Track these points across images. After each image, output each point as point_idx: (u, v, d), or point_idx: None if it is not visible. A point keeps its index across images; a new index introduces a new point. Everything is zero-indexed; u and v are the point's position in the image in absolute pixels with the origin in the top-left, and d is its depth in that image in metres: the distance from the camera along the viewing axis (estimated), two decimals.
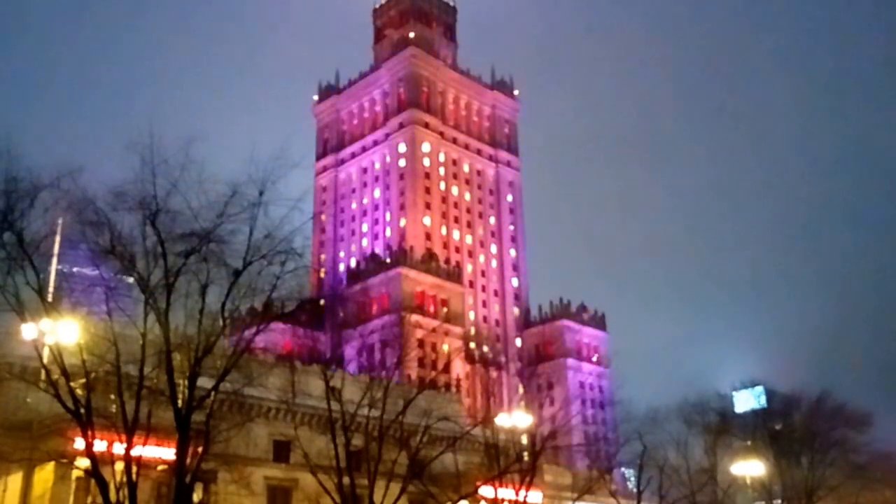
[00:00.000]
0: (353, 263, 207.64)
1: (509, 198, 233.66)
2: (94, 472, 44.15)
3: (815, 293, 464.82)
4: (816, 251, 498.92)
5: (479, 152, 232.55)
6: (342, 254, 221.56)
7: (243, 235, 46.33)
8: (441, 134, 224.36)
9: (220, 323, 46.58)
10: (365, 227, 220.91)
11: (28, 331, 44.56)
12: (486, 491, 73.41)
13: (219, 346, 47.92)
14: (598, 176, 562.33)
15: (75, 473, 68.67)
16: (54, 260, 48.89)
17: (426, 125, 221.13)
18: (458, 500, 68.77)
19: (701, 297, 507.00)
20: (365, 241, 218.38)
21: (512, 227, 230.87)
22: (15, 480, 71.77)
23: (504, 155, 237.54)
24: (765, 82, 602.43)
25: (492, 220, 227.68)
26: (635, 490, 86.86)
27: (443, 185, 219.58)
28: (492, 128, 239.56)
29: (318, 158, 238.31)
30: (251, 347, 53.66)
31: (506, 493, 72.07)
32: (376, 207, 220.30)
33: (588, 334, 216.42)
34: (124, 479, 43.37)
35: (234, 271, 45.98)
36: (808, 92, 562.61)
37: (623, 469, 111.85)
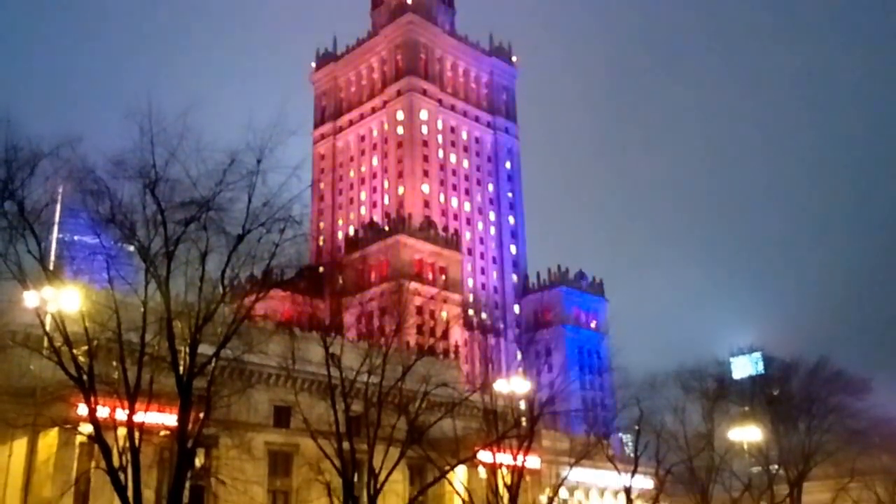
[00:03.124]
0: (351, 231, 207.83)
1: (507, 165, 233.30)
2: (97, 438, 44.74)
3: (814, 260, 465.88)
4: (816, 218, 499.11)
5: (477, 119, 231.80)
6: (341, 222, 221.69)
7: (242, 203, 46.60)
8: (439, 101, 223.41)
9: (220, 290, 46.93)
10: (363, 195, 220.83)
11: (30, 299, 44.92)
12: (484, 456, 74.31)
13: (219, 314, 48.31)
14: (597, 143, 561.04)
15: (79, 439, 69.48)
16: (55, 228, 49.11)
17: (424, 92, 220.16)
18: (457, 465, 69.66)
19: (700, 264, 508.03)
20: (363, 209, 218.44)
21: (510, 195, 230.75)
22: (20, 446, 72.61)
23: (502, 122, 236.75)
24: (764, 45, 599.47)
25: (490, 187, 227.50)
26: (632, 455, 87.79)
27: (441, 153, 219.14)
28: (490, 95, 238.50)
29: (316, 126, 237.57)
30: (251, 315, 54.09)
31: (504, 457, 72.96)
32: (374, 175, 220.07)
33: (586, 301, 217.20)
34: (127, 444, 43.95)
35: (234, 239, 46.24)
36: (807, 53, 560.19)
37: (620, 434, 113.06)
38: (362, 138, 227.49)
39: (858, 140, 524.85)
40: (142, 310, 45.22)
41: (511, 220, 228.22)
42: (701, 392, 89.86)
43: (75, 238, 52.59)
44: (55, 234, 50.04)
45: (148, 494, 48.03)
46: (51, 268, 46.02)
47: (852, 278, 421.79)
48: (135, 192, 45.67)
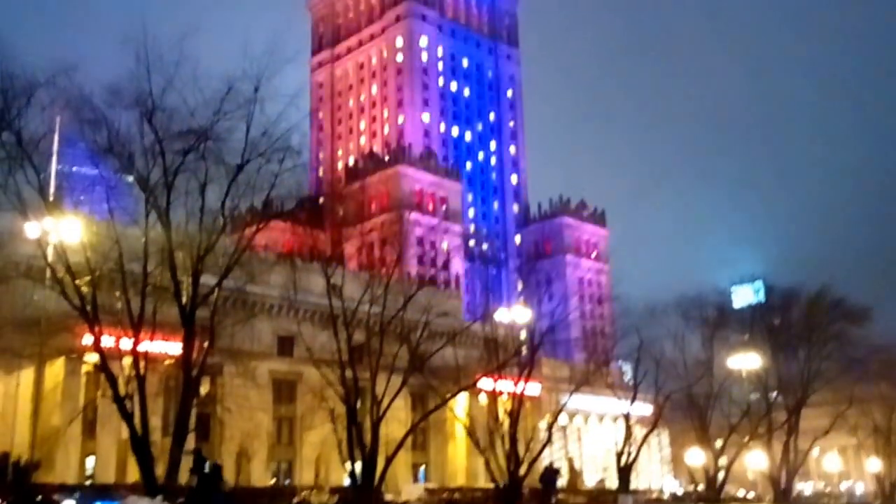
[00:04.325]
0: (351, 161, 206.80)
1: (509, 93, 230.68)
2: (102, 367, 45.26)
3: (817, 189, 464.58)
4: (819, 146, 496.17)
5: (478, 46, 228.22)
6: (340, 152, 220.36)
7: (240, 133, 46.32)
8: (439, 27, 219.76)
9: (221, 221, 46.93)
10: (363, 125, 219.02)
11: (31, 230, 44.94)
12: (485, 383, 75.30)
13: (220, 245, 48.42)
14: (599, 71, 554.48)
15: (85, 368, 70.48)
16: (54, 159, 48.80)
17: (423, 18, 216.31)
18: (458, 393, 70.61)
19: (702, 193, 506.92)
20: (363, 139, 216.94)
21: (512, 123, 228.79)
22: (27, 375, 73.59)
23: (504, 48, 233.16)
24: None
25: (491, 116, 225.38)
26: (632, 383, 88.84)
27: (441, 81, 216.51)
28: (491, 20, 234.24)
29: (314, 54, 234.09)
30: (252, 245, 54.23)
31: (504, 385, 73.88)
32: (374, 104, 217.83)
33: (588, 231, 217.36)
34: (133, 372, 44.47)
35: (233, 169, 46.04)
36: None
37: (620, 362, 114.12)
38: (361, 66, 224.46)
39: (862, 67, 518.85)
40: (143, 240, 45.27)
41: (512, 149, 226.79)
42: (701, 320, 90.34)
43: (74, 169, 52.37)
44: (54, 165, 49.78)
45: (154, 421, 48.79)
46: (51, 199, 45.93)
47: (855, 206, 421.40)
48: (132, 122, 45.40)
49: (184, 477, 40.45)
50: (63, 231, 43.92)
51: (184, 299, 45.60)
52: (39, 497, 52.41)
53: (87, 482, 72.49)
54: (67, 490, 61.58)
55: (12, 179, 43.35)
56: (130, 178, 48.49)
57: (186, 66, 43.63)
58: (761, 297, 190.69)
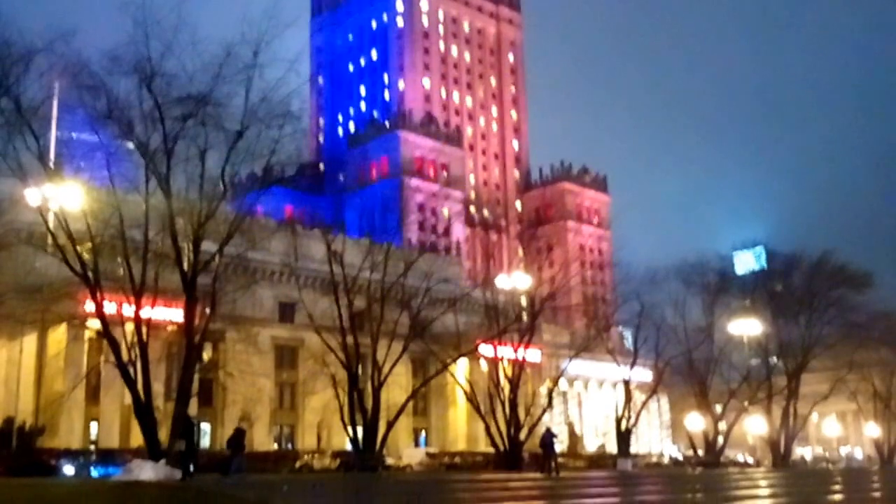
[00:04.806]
0: (351, 127, 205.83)
1: (510, 58, 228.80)
2: (105, 333, 45.44)
3: (820, 154, 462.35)
4: (822, 112, 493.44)
5: (479, 10, 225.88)
6: (340, 118, 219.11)
7: (240, 98, 46.02)
8: None
9: (221, 188, 46.84)
10: (363, 90, 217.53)
11: (32, 196, 44.91)
12: (485, 349, 75.68)
13: (221, 211, 48.36)
14: (602, 36, 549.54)
15: (87, 334, 70.72)
16: (53, 125, 48.63)
17: None
18: (458, 358, 71.05)
19: (705, 159, 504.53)
20: (363, 105, 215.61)
21: (513, 89, 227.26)
22: (30, 341, 74.02)
23: (506, 12, 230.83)
24: None
25: (492, 81, 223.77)
26: (632, 348, 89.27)
27: (442, 45, 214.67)
28: None
29: (313, 18, 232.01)
30: (253, 212, 54.19)
31: (505, 351, 74.31)
32: (374, 70, 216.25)
33: (589, 197, 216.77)
34: (135, 339, 44.65)
35: (233, 135, 45.86)
36: None
37: (620, 328, 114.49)
38: (361, 31, 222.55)
39: (868, 32, 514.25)
40: (143, 207, 45.22)
41: (514, 114, 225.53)
42: (702, 286, 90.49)
43: (74, 135, 52.11)
44: (53, 131, 49.61)
45: (157, 387, 49.14)
46: (51, 165, 45.84)
47: (858, 173, 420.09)
48: (131, 88, 45.08)
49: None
50: (64, 198, 43.88)
51: (185, 266, 45.63)
52: (38, 462, 53.02)
53: (91, 447, 73.19)
54: (71, 455, 62.32)
55: (12, 146, 43.20)
56: (130, 145, 48.32)
57: (185, 31, 43.27)
58: (763, 263, 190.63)
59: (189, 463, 35.62)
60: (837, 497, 45.26)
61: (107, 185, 46.87)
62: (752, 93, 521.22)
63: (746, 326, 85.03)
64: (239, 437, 44.65)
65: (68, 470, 53.89)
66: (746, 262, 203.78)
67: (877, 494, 48.02)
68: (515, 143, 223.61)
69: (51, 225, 46.00)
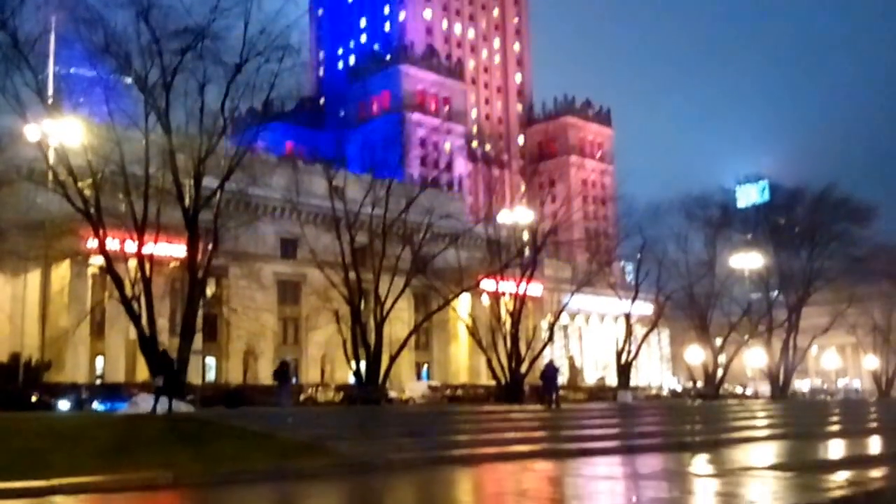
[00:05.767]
0: (352, 61, 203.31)
1: None
2: (108, 269, 45.61)
3: (826, 86, 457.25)
4: (826, 44, 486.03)
5: None
6: (340, 51, 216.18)
7: (238, 31, 45.31)
8: None
9: (221, 122, 46.51)
10: (363, 22, 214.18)
11: (31, 132, 44.63)
12: (487, 284, 76.01)
13: (221, 147, 48.12)
14: None
15: (91, 270, 71.10)
16: (51, 60, 48.05)
17: None
18: (460, 293, 71.39)
19: (709, 92, 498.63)
20: (364, 37, 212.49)
21: (516, 20, 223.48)
22: (34, 278, 74.40)
23: None
24: None
25: (495, 12, 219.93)
26: (633, 283, 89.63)
27: None
28: None
29: None
30: (253, 147, 53.91)
31: (507, 286, 74.64)
32: (374, 0, 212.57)
33: (592, 130, 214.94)
34: (139, 275, 44.83)
35: (232, 69, 45.33)
36: None
37: (622, 262, 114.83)
38: None
39: None
40: (144, 142, 44.97)
41: (517, 47, 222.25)
42: (704, 220, 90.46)
43: (72, 70, 51.51)
44: (51, 66, 49.07)
45: (162, 322, 49.47)
46: (49, 101, 45.44)
47: (863, 106, 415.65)
48: (128, 21, 44.42)
49: (196, 377, 41.25)
50: (63, 133, 43.59)
51: (187, 202, 45.57)
52: (35, 398, 53.58)
53: (98, 381, 74.16)
54: (76, 389, 63.18)
55: (10, 81, 42.75)
56: (129, 80, 47.85)
57: None
58: (766, 196, 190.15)
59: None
60: (835, 428, 45.95)
61: (106, 120, 46.56)
62: (758, 25, 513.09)
63: (748, 260, 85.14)
64: (284, 369, 47.08)
65: (62, 405, 54.32)
66: (750, 195, 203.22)
67: (874, 425, 48.76)
68: (518, 76, 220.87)
69: (51, 161, 45.82)
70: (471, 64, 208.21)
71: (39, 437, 23.60)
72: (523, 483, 18.60)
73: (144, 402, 35.81)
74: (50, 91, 46.77)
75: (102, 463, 20.30)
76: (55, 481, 17.55)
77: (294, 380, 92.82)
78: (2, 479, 17.39)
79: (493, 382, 72.85)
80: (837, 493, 12.75)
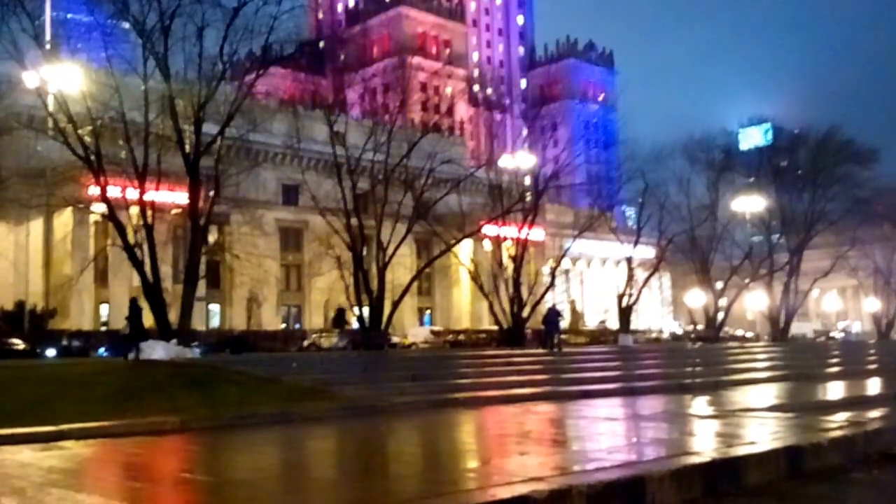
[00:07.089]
0: (351, 3, 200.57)
1: None
2: (110, 216, 45.63)
3: (831, 28, 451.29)
4: None
5: None
6: None
7: None
8: None
9: (220, 68, 46.12)
10: None
11: (30, 79, 44.30)
12: (489, 230, 76.10)
13: (221, 92, 47.79)
14: None
15: (93, 217, 71.15)
16: (48, 4, 47.52)
17: None
18: (462, 239, 71.44)
19: (713, 34, 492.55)
20: None
21: None
22: (36, 226, 74.54)
23: None
24: None
25: None
26: (635, 227, 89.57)
27: None
28: None
29: None
30: (253, 93, 53.49)
31: (508, 231, 74.69)
32: None
33: (595, 73, 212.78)
34: (141, 222, 44.87)
35: (230, 12, 44.79)
36: None
37: (624, 207, 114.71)
38: None
39: None
40: (143, 88, 44.64)
41: None
42: (707, 163, 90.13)
43: (69, 16, 51.01)
44: (48, 11, 48.52)
45: (165, 269, 49.62)
46: (47, 46, 45.00)
47: (867, 48, 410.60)
48: None
49: (200, 324, 41.54)
50: (62, 80, 43.25)
51: (187, 148, 45.40)
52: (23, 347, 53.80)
53: (103, 328, 74.74)
54: (81, 336, 63.71)
55: (6, 27, 42.28)
56: (127, 25, 47.30)
57: None
58: (769, 139, 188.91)
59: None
60: (835, 369, 46.35)
61: (105, 66, 46.18)
62: None
63: (750, 203, 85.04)
64: (342, 315, 51.08)
65: (49, 353, 54.79)
66: (752, 138, 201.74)
67: (873, 366, 49.17)
68: (520, 18, 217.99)
69: (50, 108, 45.52)
70: (472, 6, 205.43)
71: (46, 384, 23.89)
72: (525, 424, 18.86)
73: (150, 348, 36.13)
74: (48, 37, 46.32)
75: (109, 408, 20.56)
76: (63, 426, 17.79)
77: (297, 325, 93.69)
78: (10, 426, 17.63)
79: (494, 327, 73.31)
80: (837, 434, 12.91)
